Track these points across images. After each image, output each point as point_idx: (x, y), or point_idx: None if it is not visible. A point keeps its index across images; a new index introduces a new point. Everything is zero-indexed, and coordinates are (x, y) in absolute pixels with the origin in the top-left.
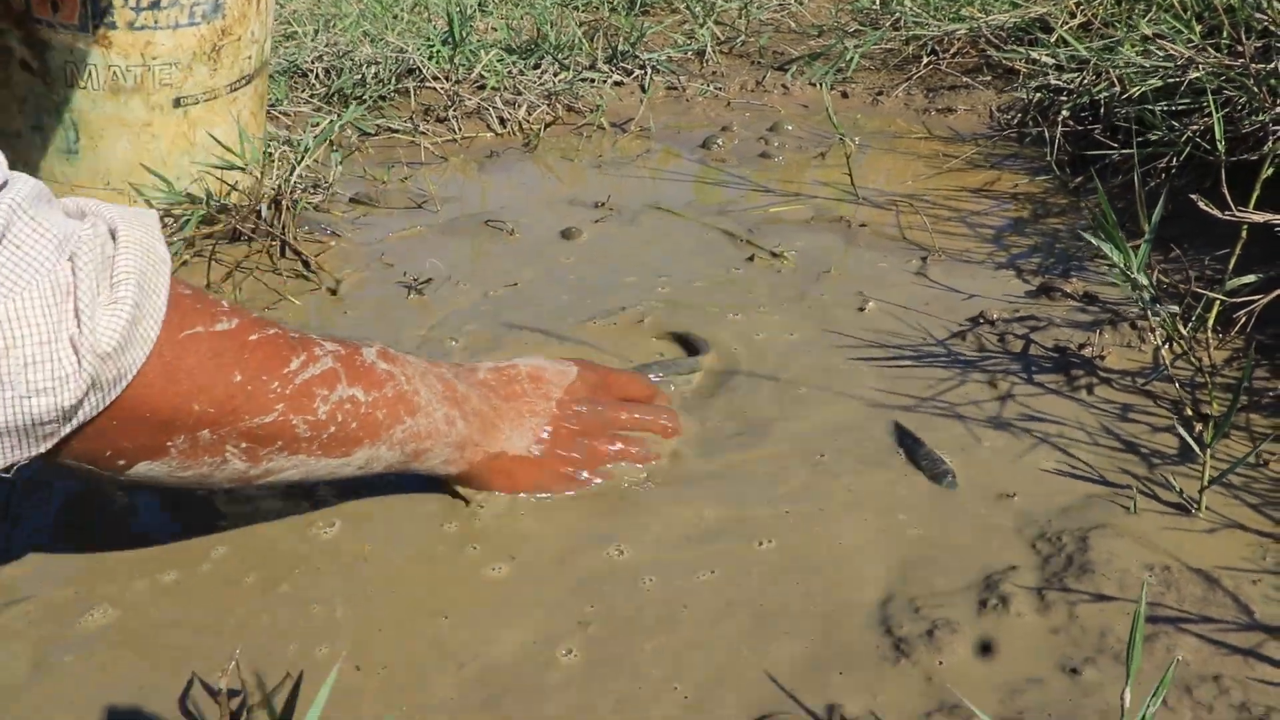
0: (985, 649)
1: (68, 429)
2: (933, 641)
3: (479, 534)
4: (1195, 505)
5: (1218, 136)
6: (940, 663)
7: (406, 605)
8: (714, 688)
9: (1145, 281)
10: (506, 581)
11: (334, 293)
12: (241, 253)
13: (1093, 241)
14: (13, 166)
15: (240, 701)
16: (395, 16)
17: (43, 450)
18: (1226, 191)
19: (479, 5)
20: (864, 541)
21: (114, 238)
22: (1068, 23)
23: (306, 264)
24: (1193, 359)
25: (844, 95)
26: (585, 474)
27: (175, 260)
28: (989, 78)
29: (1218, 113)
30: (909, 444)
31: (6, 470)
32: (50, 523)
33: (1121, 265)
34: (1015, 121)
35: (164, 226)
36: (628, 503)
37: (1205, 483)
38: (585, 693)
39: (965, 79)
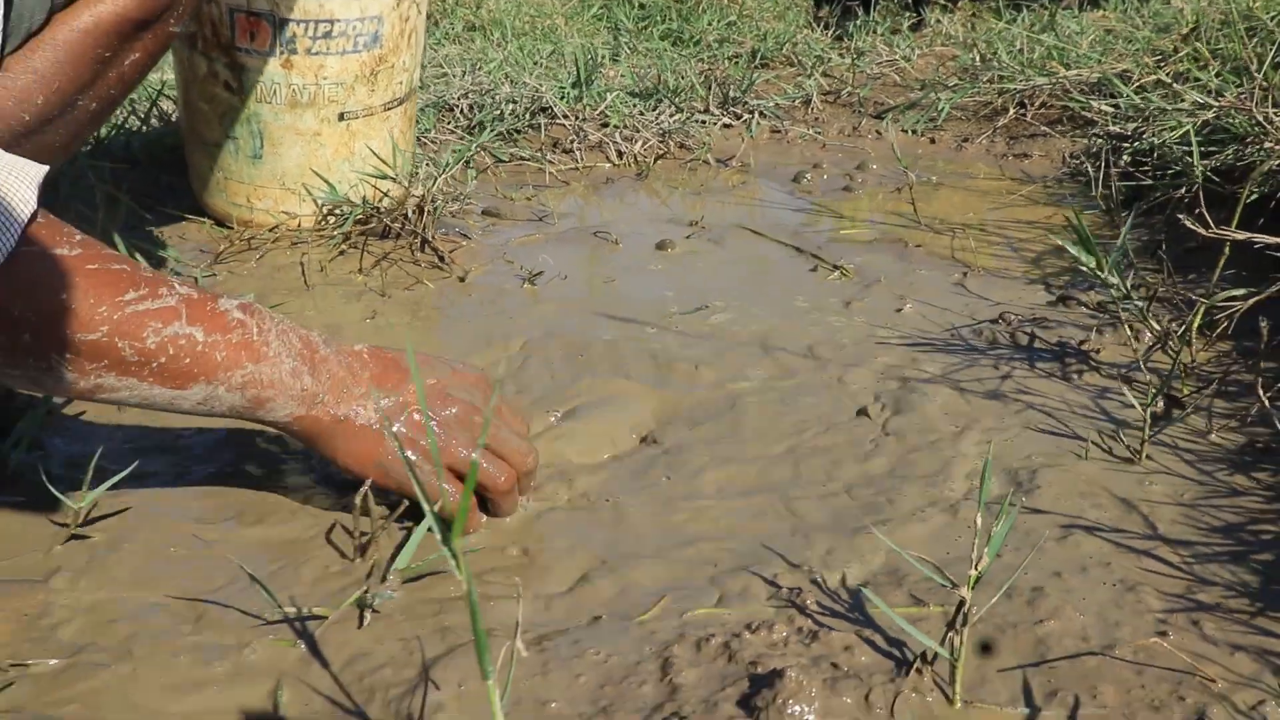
0: (929, 537)
1: None
2: (888, 530)
3: None
4: (1138, 456)
5: (1194, 162)
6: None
7: None
8: None
9: (1115, 280)
10: None
11: (462, 280)
12: (388, 247)
13: (1069, 249)
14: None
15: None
16: (535, 62)
17: None
18: (1205, 212)
19: (611, 56)
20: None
21: None
22: (1144, 77)
23: (441, 258)
24: (1171, 353)
25: (931, 141)
26: (427, 468)
27: (333, 250)
28: (1068, 128)
29: (1195, 143)
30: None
31: None
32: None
33: (1091, 267)
34: (1083, 166)
35: (327, 224)
36: None
37: (1145, 437)
38: None
39: (1045, 129)
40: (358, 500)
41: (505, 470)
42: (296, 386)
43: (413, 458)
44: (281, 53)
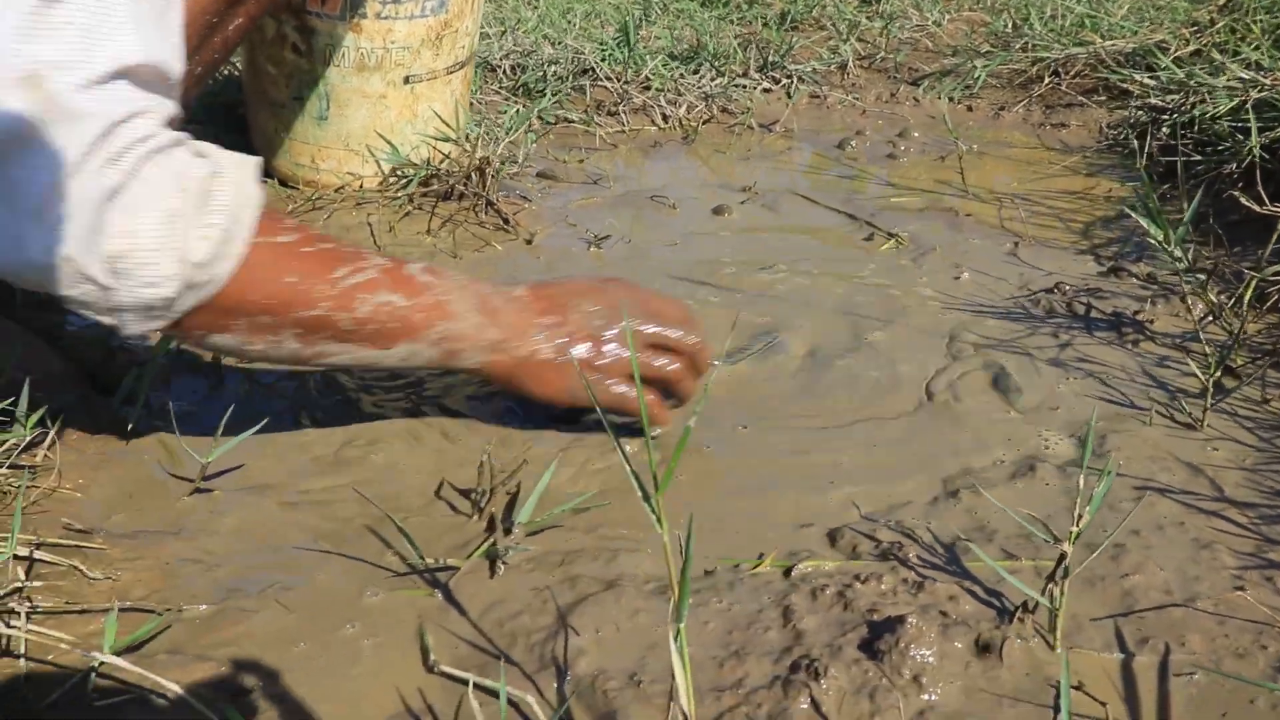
0: (1012, 496)
1: (175, 314)
2: (973, 490)
3: None
4: (1199, 423)
5: (1253, 141)
6: (975, 509)
7: None
8: None
9: (1180, 253)
10: None
11: (529, 243)
12: (452, 209)
13: (1137, 218)
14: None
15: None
16: (570, 23)
17: (157, 326)
18: (1262, 190)
19: (644, 15)
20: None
21: (220, 176)
22: (1180, 49)
23: (505, 220)
24: (1224, 324)
25: (969, 109)
26: (611, 383)
27: (398, 210)
28: (1104, 98)
29: (1254, 120)
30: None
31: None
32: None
33: (1159, 240)
34: (1122, 137)
35: (389, 185)
36: None
37: (1207, 405)
38: None
39: (1081, 98)
40: (483, 459)
41: (677, 359)
42: (484, 339)
43: (593, 378)
44: (351, 17)
